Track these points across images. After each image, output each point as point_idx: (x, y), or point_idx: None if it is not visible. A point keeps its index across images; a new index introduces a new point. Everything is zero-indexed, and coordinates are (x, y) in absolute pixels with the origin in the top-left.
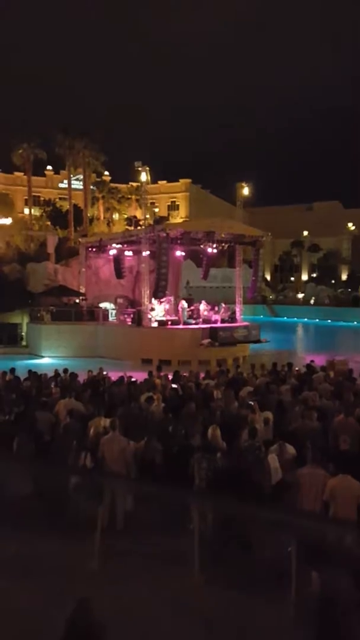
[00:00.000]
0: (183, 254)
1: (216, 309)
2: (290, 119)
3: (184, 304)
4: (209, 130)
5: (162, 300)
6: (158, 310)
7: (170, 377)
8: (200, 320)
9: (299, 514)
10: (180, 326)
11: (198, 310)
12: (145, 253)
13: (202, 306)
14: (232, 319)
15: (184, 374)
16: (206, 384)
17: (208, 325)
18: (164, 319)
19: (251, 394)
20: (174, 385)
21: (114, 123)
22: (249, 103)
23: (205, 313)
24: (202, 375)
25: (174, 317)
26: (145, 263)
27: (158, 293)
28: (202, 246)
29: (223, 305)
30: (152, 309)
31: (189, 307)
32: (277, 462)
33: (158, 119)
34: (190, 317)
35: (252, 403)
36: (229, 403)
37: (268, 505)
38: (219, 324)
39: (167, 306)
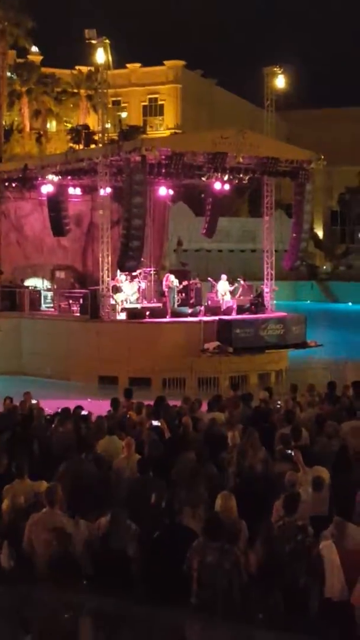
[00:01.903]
0: (171, 193)
1: (230, 288)
2: None
3: (172, 280)
4: None
5: (134, 274)
6: (127, 292)
7: (150, 407)
8: (202, 308)
9: None
10: (167, 319)
11: (197, 290)
12: (105, 191)
13: (223, 285)
14: (258, 306)
15: (174, 404)
16: (212, 421)
17: (215, 317)
18: (137, 306)
19: (291, 438)
20: (155, 423)
21: None
22: None
23: (224, 297)
24: (204, 404)
25: (155, 304)
26: (104, 209)
27: (127, 262)
28: (204, 179)
29: (241, 282)
30: (117, 290)
31: (180, 284)
32: (337, 556)
33: None
34: (183, 303)
35: (291, 453)
36: (251, 453)
37: None
38: (234, 315)
39: (144, 284)
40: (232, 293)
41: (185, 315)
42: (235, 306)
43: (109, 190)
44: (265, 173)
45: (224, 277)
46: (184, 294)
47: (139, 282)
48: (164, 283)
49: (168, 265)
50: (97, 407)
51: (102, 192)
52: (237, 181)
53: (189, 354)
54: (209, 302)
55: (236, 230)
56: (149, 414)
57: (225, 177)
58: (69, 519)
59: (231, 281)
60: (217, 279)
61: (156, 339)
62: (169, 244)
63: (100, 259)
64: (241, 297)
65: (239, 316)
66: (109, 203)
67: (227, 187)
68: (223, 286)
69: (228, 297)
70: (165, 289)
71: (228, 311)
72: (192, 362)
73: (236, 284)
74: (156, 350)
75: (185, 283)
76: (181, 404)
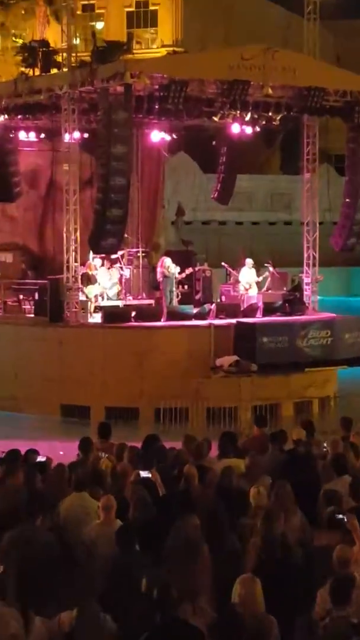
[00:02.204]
0: (169, 139)
1: (258, 279)
2: None
3: (169, 265)
4: None
5: (114, 257)
6: (104, 284)
7: (136, 450)
8: (213, 307)
9: None
10: (162, 322)
11: (205, 280)
12: (72, 137)
13: (246, 274)
14: (294, 303)
15: (171, 446)
16: (226, 471)
17: (232, 320)
18: (118, 303)
19: (342, 497)
20: (144, 474)
21: None
22: None
23: (248, 291)
24: (215, 446)
25: (144, 300)
26: (71, 163)
27: (104, 240)
28: (216, 120)
29: (270, 269)
30: (90, 281)
31: (182, 272)
32: None
33: None
34: (185, 299)
35: (343, 518)
36: (284, 518)
37: None
38: (259, 317)
39: (128, 272)
40: (259, 285)
41: (189, 316)
42: (261, 304)
43: (77, 135)
44: (306, 110)
45: (248, 262)
46: (186, 287)
47: (121, 269)
48: (157, 270)
49: (163, 245)
50: (59, 450)
51: (67, 138)
52: (264, 122)
53: (194, 373)
54: (224, 298)
55: (263, 193)
56: (134, 461)
57: (247, 117)
58: (17, 615)
59: (257, 268)
60: (236, 265)
61: (146, 352)
62: (165, 213)
63: (64, 236)
64: (270, 291)
65: (267, 318)
66: (77, 154)
67: (249, 130)
68: (246, 275)
69: (254, 290)
70: (159, 278)
71: (251, 311)
72: (199, 385)
73: (263, 273)
74: (146, 367)
75: (188, 271)
76: (182, 446)
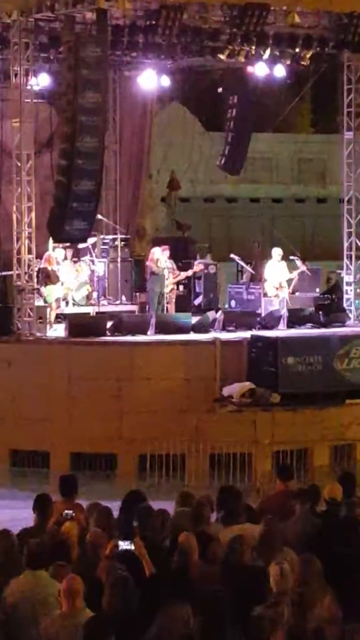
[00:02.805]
0: (157, 84)
1: (291, 275)
2: None
3: (158, 257)
4: None
5: (82, 247)
6: (69, 283)
7: (110, 513)
8: (219, 315)
9: None
10: (149, 335)
11: (208, 278)
12: (25, 82)
13: (274, 269)
14: (330, 309)
15: (161, 508)
16: (236, 541)
17: (243, 334)
18: (89, 310)
19: None
20: (124, 545)
21: None
22: None
23: (279, 292)
24: (214, 508)
25: (125, 306)
26: (23, 117)
27: (68, 223)
28: (223, 58)
29: (299, 263)
30: (50, 279)
31: (177, 271)
32: None
33: None
34: (182, 304)
35: None
36: (316, 607)
37: None
38: (282, 330)
39: (102, 268)
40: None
41: (186, 328)
42: (285, 311)
43: (33, 81)
44: (346, 46)
45: (276, 252)
46: (182, 287)
47: (92, 263)
48: (148, 262)
49: (151, 230)
50: (6, 511)
51: (18, 82)
52: (288, 62)
53: (192, 406)
54: (234, 303)
55: (287, 159)
56: (111, 528)
57: (266, 54)
58: None
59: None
60: (250, 257)
61: (127, 378)
62: (153, 186)
63: (14, 218)
64: (297, 294)
65: (294, 331)
66: (32, 106)
67: (268, 73)
68: (275, 271)
69: (285, 292)
70: (147, 275)
71: (272, 321)
72: (199, 422)
73: (299, 267)
74: (127, 398)
75: (184, 274)
76: (176, 506)
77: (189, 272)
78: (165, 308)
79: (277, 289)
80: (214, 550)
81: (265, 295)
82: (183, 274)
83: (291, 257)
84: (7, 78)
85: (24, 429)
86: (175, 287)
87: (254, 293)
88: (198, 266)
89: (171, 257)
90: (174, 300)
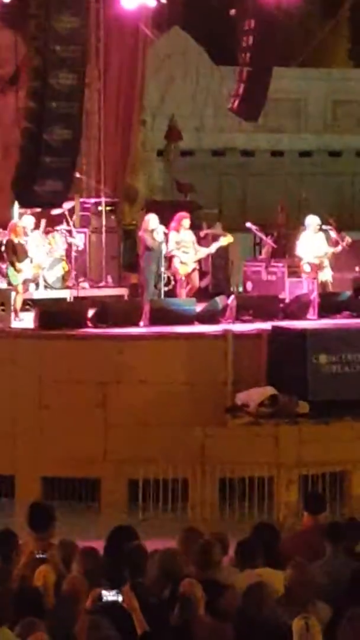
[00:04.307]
0: (153, 3)
1: (333, 249)
2: None
3: (152, 226)
4: None
5: (56, 213)
6: (39, 259)
7: (95, 553)
8: (231, 301)
9: None
10: (142, 328)
11: (218, 253)
12: None
13: (312, 241)
14: None
15: (155, 548)
16: (255, 590)
17: (262, 325)
18: (65, 294)
19: None
20: (110, 595)
21: None
22: None
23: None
24: (230, 553)
25: (111, 288)
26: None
27: (39, 182)
28: None
29: (331, 234)
30: (16, 253)
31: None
32: None
33: None
34: (178, 289)
35: None
36: None
37: None
38: (312, 320)
39: (80, 240)
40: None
41: (189, 318)
42: (316, 295)
43: None
44: None
45: (311, 221)
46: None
47: (70, 234)
48: (141, 232)
49: (144, 192)
50: None
51: None
52: None
53: (197, 417)
54: (250, 286)
55: (319, 100)
56: (93, 573)
57: None
58: None
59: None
60: (273, 226)
61: (113, 381)
62: (148, 135)
63: None
64: (333, 273)
65: (326, 321)
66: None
67: None
68: (312, 244)
69: (328, 272)
70: (140, 250)
71: (299, 308)
72: (206, 439)
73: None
74: (114, 408)
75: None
76: (177, 546)
77: (211, 249)
78: (162, 292)
79: (314, 269)
80: (226, 602)
81: (294, 275)
82: (204, 251)
83: (323, 227)
84: None
85: None
86: (197, 267)
87: (275, 272)
88: (204, 236)
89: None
90: (173, 282)
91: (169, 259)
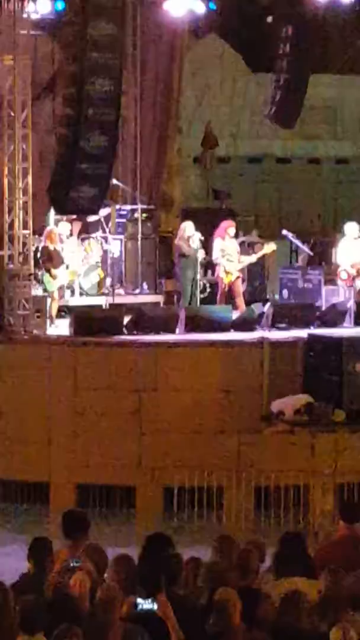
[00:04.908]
0: (191, 11)
1: None
2: None
3: (189, 234)
4: None
5: (93, 220)
6: (74, 266)
7: (129, 562)
8: (268, 309)
9: None
10: (178, 335)
11: (256, 260)
12: (21, 8)
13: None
14: None
15: (191, 556)
16: (291, 600)
17: (298, 333)
18: (101, 301)
19: None
20: (145, 604)
21: None
22: None
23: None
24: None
25: (147, 295)
26: (18, 54)
27: (75, 189)
28: None
29: None
30: (52, 260)
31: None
32: None
33: None
34: (213, 297)
35: None
36: None
37: None
38: (348, 327)
39: (117, 247)
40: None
41: (225, 325)
42: (353, 304)
43: (31, 8)
44: None
45: (350, 228)
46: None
47: (105, 241)
48: (178, 239)
49: (180, 199)
50: None
51: (6, 7)
52: None
53: (233, 426)
54: (286, 293)
55: (356, 108)
56: (128, 581)
57: None
58: None
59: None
60: (309, 233)
61: (149, 389)
62: (184, 142)
63: (5, 182)
64: None
65: None
66: (28, 39)
67: None
68: (348, 252)
69: None
70: (176, 257)
71: (335, 316)
72: (241, 447)
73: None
74: (149, 416)
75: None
76: (213, 554)
77: (252, 258)
78: (198, 299)
79: (352, 277)
80: (262, 611)
81: (331, 283)
82: (247, 259)
83: (359, 235)
84: None
85: (16, 454)
86: (241, 276)
87: (312, 280)
88: (241, 244)
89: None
90: (210, 289)
91: (212, 267)
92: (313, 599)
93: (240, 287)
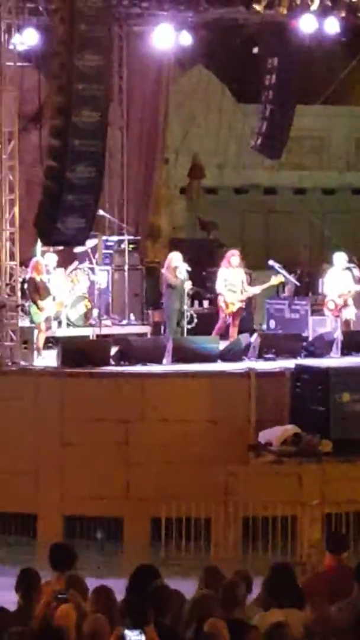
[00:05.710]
0: (176, 42)
1: (358, 288)
2: None
3: (177, 265)
4: None
5: (79, 251)
6: (62, 297)
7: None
8: (254, 340)
9: None
10: (165, 366)
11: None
12: (7, 40)
13: (336, 281)
14: None
15: (178, 588)
16: (278, 632)
17: (285, 364)
18: (88, 332)
19: None
20: (133, 636)
21: None
22: None
23: (331, 306)
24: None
25: (134, 325)
26: (5, 85)
27: (62, 220)
28: (259, 9)
29: (357, 272)
30: (38, 292)
31: (199, 277)
32: None
33: None
34: (204, 324)
35: None
36: None
37: None
38: (335, 357)
39: (104, 279)
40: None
41: (212, 356)
42: (339, 334)
43: (17, 39)
44: None
45: (338, 258)
46: (208, 302)
47: (92, 271)
48: (164, 272)
49: (167, 230)
50: None
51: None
52: (343, 14)
53: (220, 456)
54: (273, 324)
55: (341, 139)
56: (116, 612)
57: (314, 4)
58: None
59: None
60: (296, 264)
61: (136, 419)
62: (170, 173)
63: None
64: (357, 311)
65: (350, 360)
66: (15, 70)
67: (316, 28)
68: (336, 281)
69: (352, 311)
70: (163, 288)
71: (322, 346)
72: (229, 477)
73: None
74: (136, 447)
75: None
76: (200, 585)
77: (257, 289)
78: (185, 330)
79: (338, 307)
80: None
81: (318, 313)
82: (252, 290)
83: (347, 265)
84: None
85: (3, 486)
86: (243, 306)
87: (298, 310)
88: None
89: (192, 263)
90: (196, 320)
91: (200, 297)
92: (299, 631)
93: (238, 318)
